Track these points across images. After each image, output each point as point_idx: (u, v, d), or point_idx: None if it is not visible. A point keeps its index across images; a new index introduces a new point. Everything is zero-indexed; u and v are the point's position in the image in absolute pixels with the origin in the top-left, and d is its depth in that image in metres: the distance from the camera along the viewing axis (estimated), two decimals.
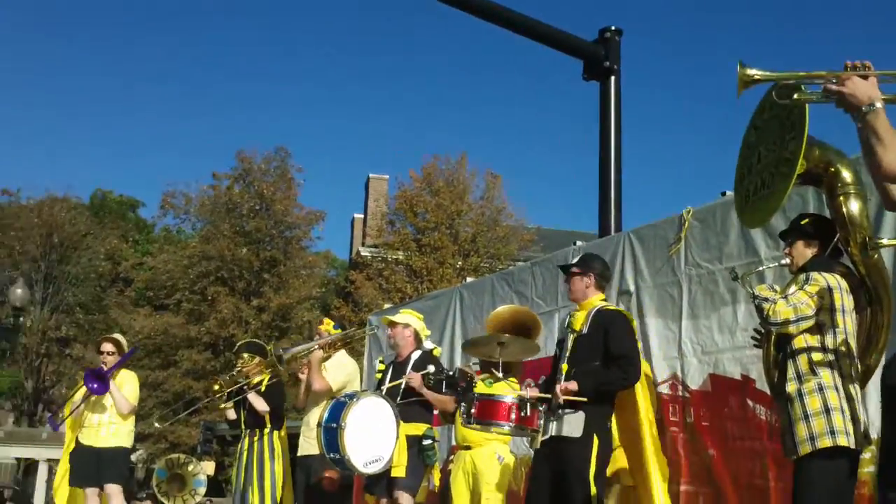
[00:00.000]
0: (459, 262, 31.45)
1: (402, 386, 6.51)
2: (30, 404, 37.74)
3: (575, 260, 5.73)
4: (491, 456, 6.84)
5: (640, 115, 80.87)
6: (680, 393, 6.58)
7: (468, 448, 6.92)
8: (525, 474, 7.46)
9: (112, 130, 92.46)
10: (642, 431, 5.70)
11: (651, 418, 5.81)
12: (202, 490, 14.42)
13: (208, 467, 24.40)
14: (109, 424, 8.25)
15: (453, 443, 7.15)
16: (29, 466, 36.31)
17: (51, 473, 34.09)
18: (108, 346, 8.51)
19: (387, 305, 16.37)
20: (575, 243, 8.28)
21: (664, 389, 6.65)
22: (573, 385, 5.25)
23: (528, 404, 5.30)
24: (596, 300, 5.58)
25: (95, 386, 8.32)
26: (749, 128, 4.73)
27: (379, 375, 6.83)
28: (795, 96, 3.69)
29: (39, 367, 37.87)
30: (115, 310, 36.11)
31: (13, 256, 37.26)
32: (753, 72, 3.67)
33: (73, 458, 8.59)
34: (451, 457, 6.93)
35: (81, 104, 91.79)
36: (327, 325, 7.85)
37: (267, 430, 7.90)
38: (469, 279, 23.90)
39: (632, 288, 7.25)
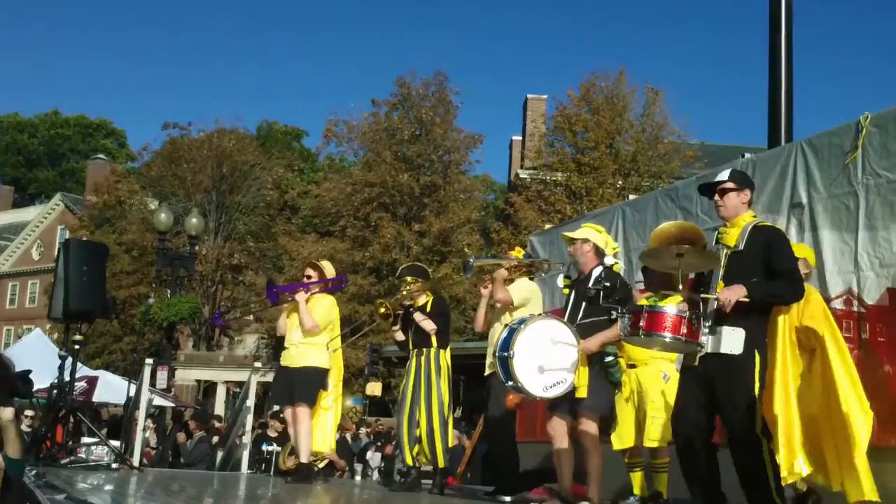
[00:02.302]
0: (620, 182, 30.95)
1: (582, 305, 6.36)
2: (207, 329, 39.54)
3: (721, 177, 5.39)
4: (656, 374, 6.77)
5: (812, 11, 77.14)
6: (855, 308, 6.35)
7: (633, 367, 6.86)
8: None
9: (276, 62, 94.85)
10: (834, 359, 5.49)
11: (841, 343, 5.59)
12: (359, 407, 14.79)
13: (375, 388, 25.13)
14: (300, 345, 8.36)
15: None
16: (208, 388, 38.26)
17: (228, 394, 35.85)
18: (307, 271, 8.77)
19: (547, 226, 16.27)
20: (743, 156, 7.97)
21: (837, 305, 6.40)
22: (741, 290, 4.92)
23: (695, 317, 4.99)
24: (748, 216, 5.32)
25: (270, 293, 8.87)
26: None
27: (567, 291, 6.71)
28: None
29: (215, 294, 39.58)
30: (284, 237, 37.31)
31: (186, 188, 38.82)
32: None
33: (273, 380, 9.23)
34: None
35: (245, 37, 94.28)
36: (518, 253, 7.92)
37: (433, 350, 8.04)
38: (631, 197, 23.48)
39: (804, 200, 6.99)
